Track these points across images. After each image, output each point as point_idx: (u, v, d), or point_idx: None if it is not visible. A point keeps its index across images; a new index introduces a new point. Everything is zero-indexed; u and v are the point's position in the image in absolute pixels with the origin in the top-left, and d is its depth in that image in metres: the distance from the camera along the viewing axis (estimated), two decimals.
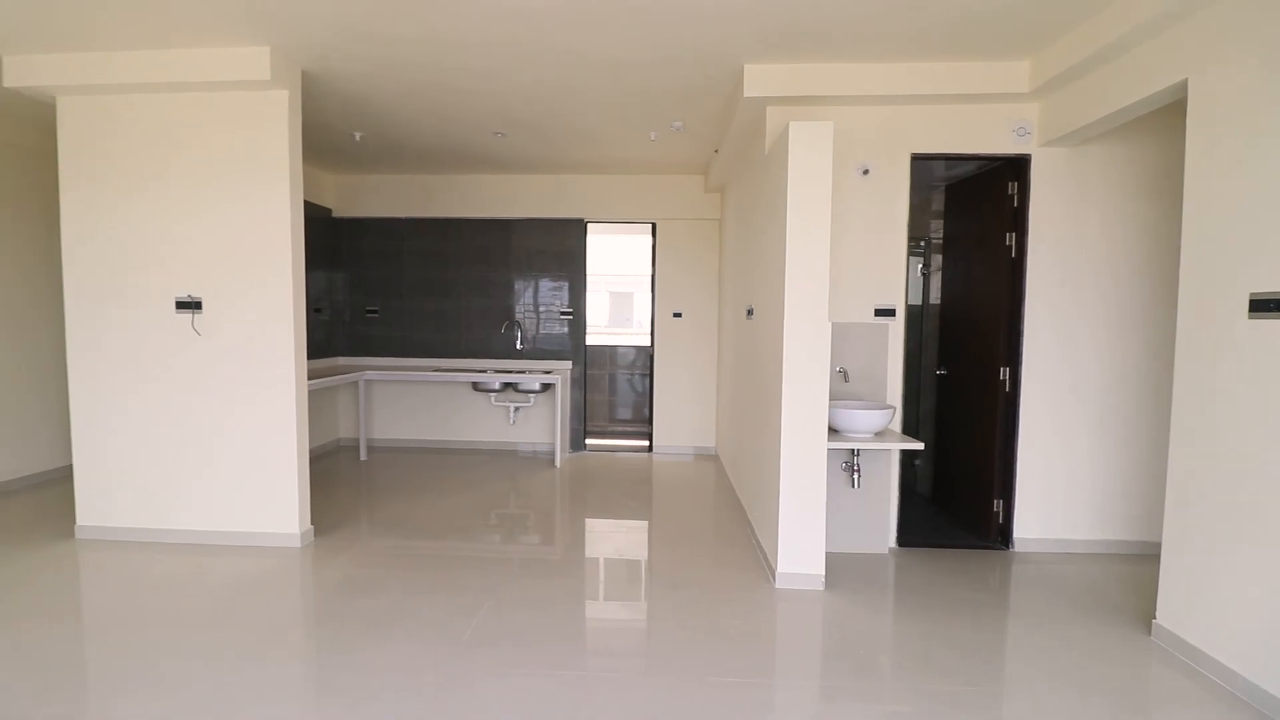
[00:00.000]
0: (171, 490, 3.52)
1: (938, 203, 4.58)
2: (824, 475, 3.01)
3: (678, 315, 6.13)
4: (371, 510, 4.23)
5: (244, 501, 3.49)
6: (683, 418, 6.17)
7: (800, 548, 3.03)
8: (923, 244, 4.76)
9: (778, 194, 3.14)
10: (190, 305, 3.44)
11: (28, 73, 3.28)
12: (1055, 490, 3.57)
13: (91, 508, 3.57)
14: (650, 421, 6.29)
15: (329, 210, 5.96)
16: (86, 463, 3.56)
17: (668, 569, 3.32)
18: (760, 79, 3.34)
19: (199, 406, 3.48)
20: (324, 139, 4.71)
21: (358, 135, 4.60)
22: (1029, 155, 3.48)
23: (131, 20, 2.91)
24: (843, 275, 3.50)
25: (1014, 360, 3.60)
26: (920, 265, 4.82)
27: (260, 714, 2.02)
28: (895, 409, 3.29)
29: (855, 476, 3.39)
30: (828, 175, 2.91)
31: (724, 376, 5.59)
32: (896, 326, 3.57)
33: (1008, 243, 3.61)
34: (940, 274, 4.52)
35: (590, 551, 3.62)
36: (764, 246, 3.56)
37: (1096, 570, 3.32)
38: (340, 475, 5.11)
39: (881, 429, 3.26)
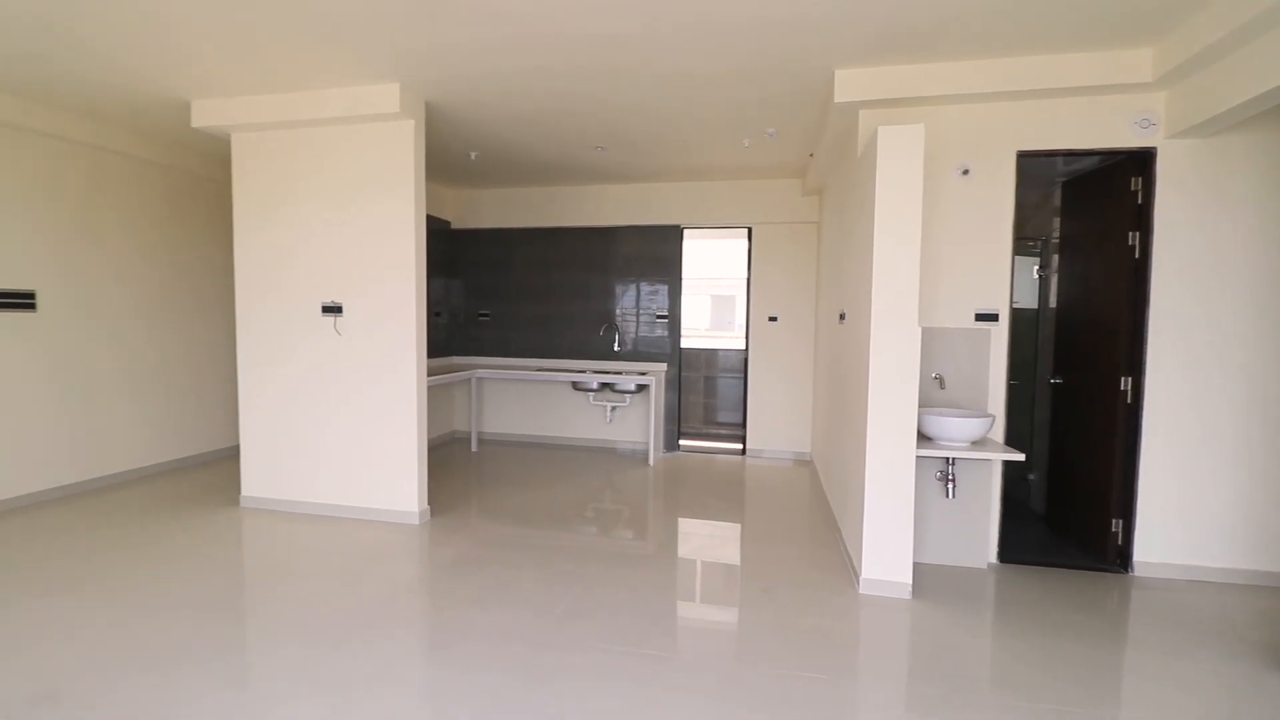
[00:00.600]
0: (316, 468, 4.07)
1: (1058, 199, 4.30)
2: (911, 483, 2.97)
3: (773, 319, 6.13)
4: (480, 496, 4.62)
5: (374, 481, 3.96)
6: (778, 422, 6.15)
7: (885, 554, 3.00)
8: (1038, 243, 4.49)
9: (868, 198, 3.13)
10: (333, 309, 3.95)
11: (210, 115, 3.93)
12: (1181, 511, 3.27)
13: (253, 481, 4.20)
14: (744, 425, 6.32)
15: (448, 222, 6.52)
16: (249, 444, 4.20)
17: (751, 565, 3.39)
18: (851, 84, 3.33)
19: (338, 398, 4.00)
20: (444, 159, 5.19)
21: (473, 155, 5.04)
22: (1154, 148, 3.22)
23: (290, 68, 3.42)
24: (940, 279, 3.41)
25: (1136, 369, 3.34)
26: (1036, 266, 4.55)
27: (383, 657, 2.34)
28: (993, 418, 3.16)
29: (950, 486, 3.29)
30: (918, 181, 2.87)
31: (819, 380, 5.53)
32: (999, 332, 3.42)
33: (1130, 242, 3.35)
34: (1056, 276, 4.24)
35: (677, 545, 3.76)
36: (854, 251, 3.53)
37: (1225, 601, 3.01)
38: (454, 464, 5.59)
39: (978, 438, 3.14)
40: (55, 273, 4.28)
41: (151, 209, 4.94)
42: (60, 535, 3.62)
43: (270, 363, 4.13)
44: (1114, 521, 3.46)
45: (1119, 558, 3.44)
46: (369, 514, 3.97)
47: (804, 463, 5.94)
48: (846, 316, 3.84)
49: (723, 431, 7.28)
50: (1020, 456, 3.02)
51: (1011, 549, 3.52)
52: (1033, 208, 4.54)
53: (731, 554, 3.65)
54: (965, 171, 3.38)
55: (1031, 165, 3.51)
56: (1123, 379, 3.40)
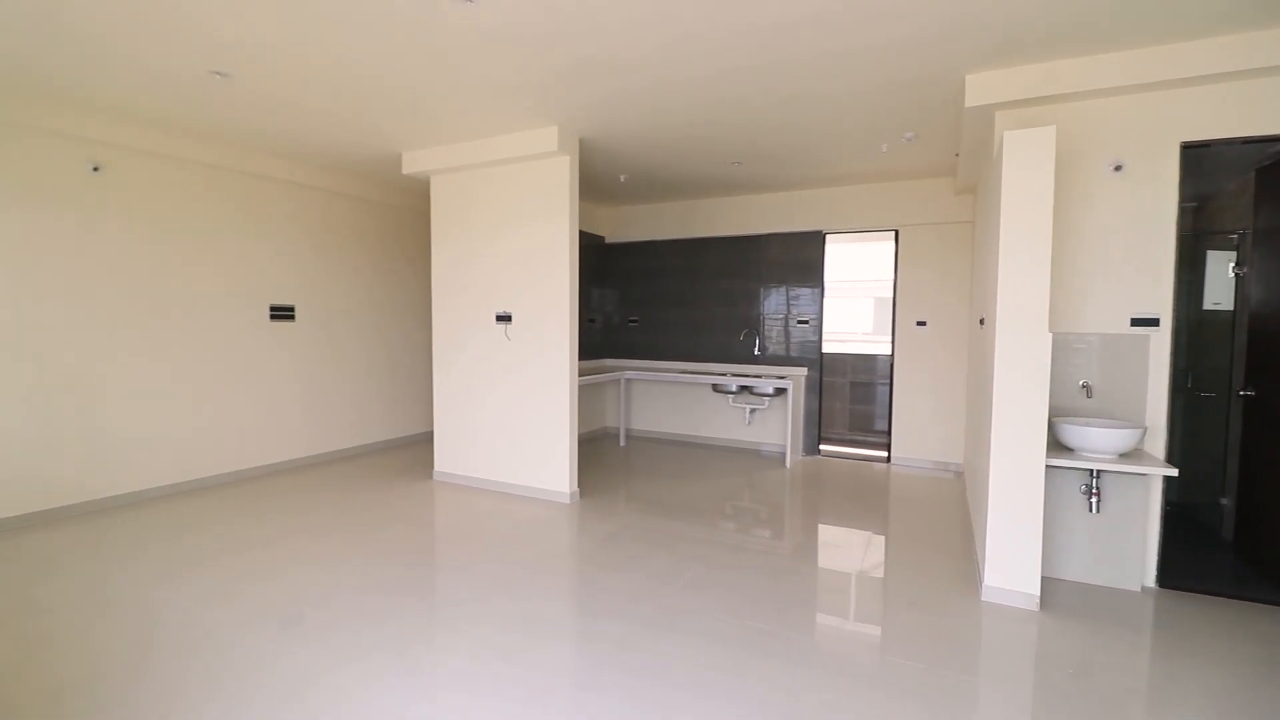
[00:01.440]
0: (489, 451, 4.84)
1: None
2: (1040, 493, 2.90)
3: (921, 324, 5.96)
4: (624, 485, 5.12)
5: (534, 464, 4.62)
6: (925, 429, 5.97)
7: (1009, 563, 2.96)
8: (1236, 237, 3.99)
9: (995, 202, 3.10)
10: (504, 318, 4.68)
11: (415, 163, 4.86)
12: None
13: (443, 459, 5.08)
14: (889, 432, 6.21)
15: (602, 237, 7.18)
16: (441, 429, 5.09)
17: (870, 561, 3.48)
18: (982, 88, 3.31)
19: (507, 393, 4.73)
20: (598, 182, 5.81)
21: (622, 177, 5.59)
22: None
23: (473, 123, 4.17)
24: (1090, 281, 3.25)
25: None
26: (1233, 263, 4.05)
27: (534, 602, 2.86)
28: (1144, 429, 2.96)
29: (1093, 501, 3.13)
30: (1047, 186, 2.82)
31: (969, 388, 5.31)
32: (1160, 338, 3.17)
33: None
34: (1248, 275, 3.75)
35: (800, 539, 3.93)
36: (989, 255, 3.48)
37: None
38: (603, 456, 6.19)
39: (1125, 450, 2.97)
40: (305, 291, 5.51)
41: (368, 237, 6.13)
42: (306, 494, 4.70)
43: (456, 362, 4.98)
44: None
45: None
46: (529, 491, 4.64)
47: (953, 473, 5.71)
48: (985, 321, 3.76)
49: (866, 438, 7.16)
50: (1172, 471, 2.82)
51: (1178, 574, 3.23)
52: (1228, 198, 4.05)
53: (852, 550, 3.74)
54: (1118, 168, 3.19)
55: (1209, 155, 3.20)
56: None
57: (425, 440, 6.60)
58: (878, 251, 7.68)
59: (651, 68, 3.27)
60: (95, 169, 4.15)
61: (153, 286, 4.48)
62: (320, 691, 2.22)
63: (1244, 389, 3.65)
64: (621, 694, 2.24)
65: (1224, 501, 4.02)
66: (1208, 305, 4.25)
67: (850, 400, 7.46)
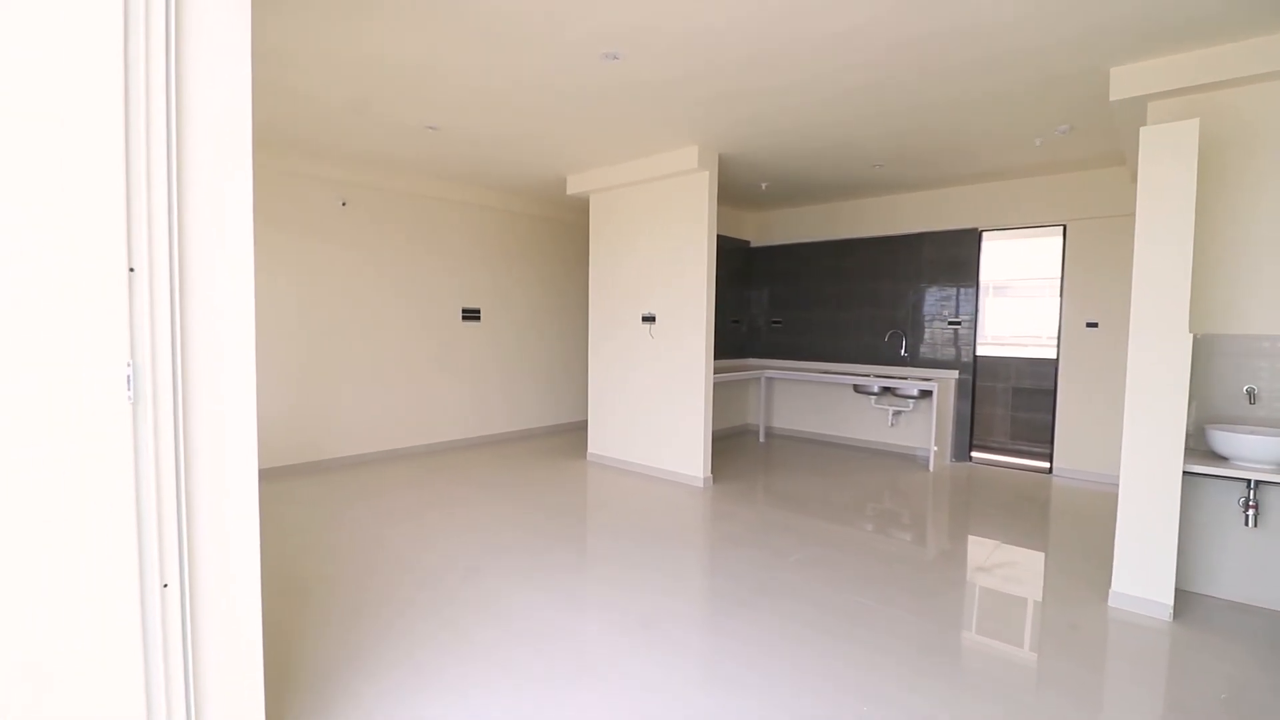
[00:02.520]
0: (634, 437, 5.45)
1: None
2: (1176, 501, 2.79)
3: (1092, 325, 5.54)
4: (758, 477, 5.45)
5: (672, 450, 5.14)
6: (1094, 439, 5.53)
7: (1139, 571, 2.87)
8: None
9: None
10: (649, 318, 5.26)
11: (577, 184, 5.63)
12: None
13: (595, 443, 5.81)
14: (1052, 441, 5.83)
15: (748, 241, 7.52)
16: (594, 416, 5.81)
17: (999, 562, 3.49)
18: (1130, 80, 3.18)
19: (650, 385, 5.30)
20: (740, 190, 6.18)
21: (764, 185, 5.91)
22: None
23: (626, 148, 4.78)
24: (1259, 278, 2.99)
25: None
26: None
27: (663, 562, 3.37)
28: None
29: (1250, 514, 2.90)
30: (1190, 182, 2.71)
31: None
32: None
33: None
34: None
35: (927, 535, 3.99)
36: None
37: None
38: (742, 450, 6.54)
39: None
40: (489, 295, 6.55)
41: (538, 249, 7.08)
42: (487, 464, 5.65)
43: (606, 357, 5.67)
44: None
45: None
46: (668, 475, 5.17)
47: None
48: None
49: (1026, 446, 6.73)
50: None
51: None
52: None
53: (984, 550, 3.74)
54: None
55: None
56: None
57: (581, 427, 7.43)
58: (1044, 248, 7.13)
59: (780, 94, 3.62)
60: (343, 204, 5.41)
61: (377, 293, 5.70)
62: (500, 604, 2.91)
63: None
64: (725, 635, 2.65)
65: None
66: None
67: (1011, 407, 7.03)
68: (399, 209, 5.78)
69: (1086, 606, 2.97)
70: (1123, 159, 5.03)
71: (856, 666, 2.42)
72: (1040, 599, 3.07)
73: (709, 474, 5.02)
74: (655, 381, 5.28)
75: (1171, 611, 2.81)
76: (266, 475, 5.01)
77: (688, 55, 3.15)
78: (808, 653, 2.51)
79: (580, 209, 7.17)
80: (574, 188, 5.69)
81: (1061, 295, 5.73)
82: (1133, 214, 5.23)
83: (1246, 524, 2.93)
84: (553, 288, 7.24)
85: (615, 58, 3.18)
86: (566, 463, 5.74)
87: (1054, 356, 5.96)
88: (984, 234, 6.06)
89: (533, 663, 2.41)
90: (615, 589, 3.08)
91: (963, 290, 6.14)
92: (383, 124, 4.28)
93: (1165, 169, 2.77)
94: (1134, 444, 2.88)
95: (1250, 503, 2.91)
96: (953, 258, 6.18)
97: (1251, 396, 3.03)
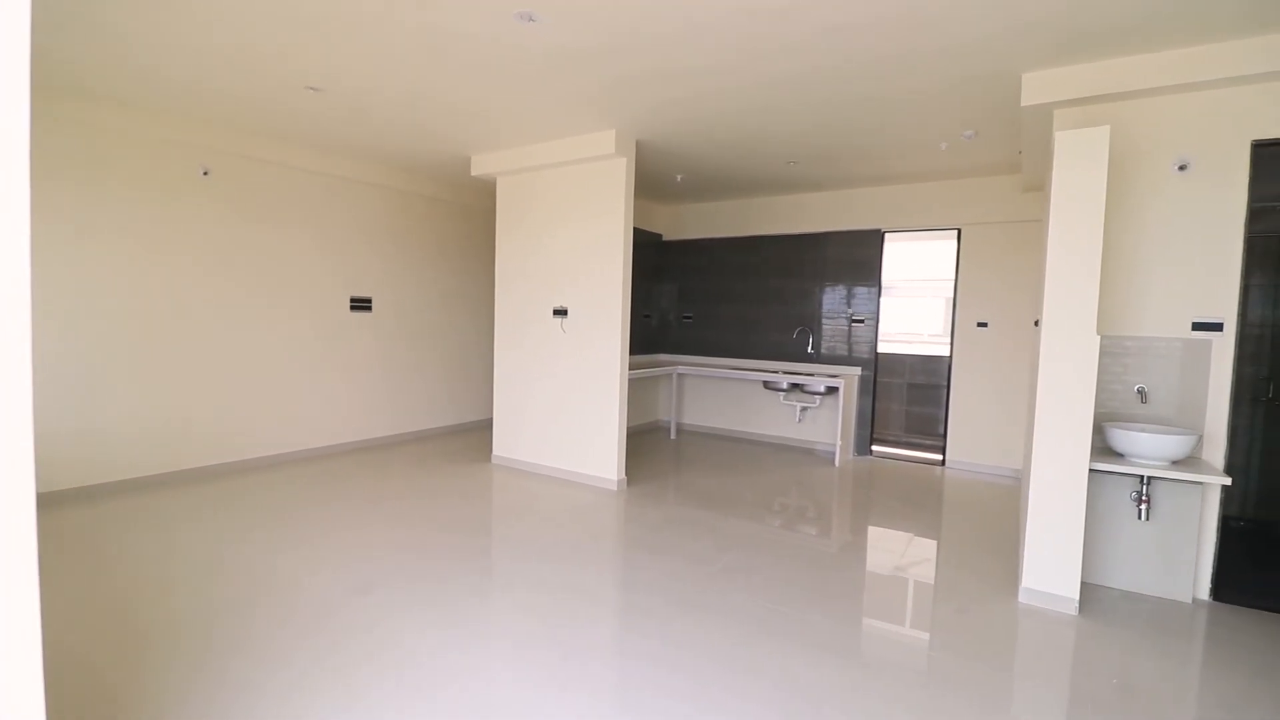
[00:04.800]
0: (545, 437, 5.11)
1: None
2: (1082, 497, 2.88)
3: (982, 325, 5.83)
4: (672, 476, 5.29)
5: (584, 451, 4.86)
6: (983, 433, 5.84)
7: (1048, 566, 2.95)
8: None
9: (1049, 202, 3.08)
10: (561, 312, 4.93)
11: (483, 165, 5.18)
12: None
13: (501, 445, 5.40)
14: (945, 434, 6.11)
15: (659, 235, 7.36)
16: (501, 416, 5.40)
17: (907, 559, 3.51)
18: (1040, 86, 3.27)
19: (561, 383, 4.98)
20: (655, 181, 5.98)
21: (679, 177, 5.74)
22: None
23: (537, 129, 4.42)
24: (1150, 283, 3.16)
25: None
26: None
27: (576, 576, 3.08)
28: (1197, 436, 2.87)
29: (1143, 509, 3.06)
30: (1100, 187, 2.79)
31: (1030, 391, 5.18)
32: (1223, 343, 3.06)
33: None
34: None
35: (839, 533, 3.98)
36: (1043, 256, 3.43)
37: None
38: (653, 448, 6.37)
39: (1177, 457, 2.90)
40: (383, 283, 5.95)
41: (438, 234, 6.53)
42: (377, 469, 5.11)
43: (514, 352, 5.28)
44: None
45: None
46: (580, 478, 4.88)
47: (1012, 480, 5.58)
48: (1039, 323, 3.70)
49: (920, 440, 7.05)
50: (1225, 480, 2.75)
51: (1235, 588, 3.12)
52: None
53: (891, 546, 3.77)
54: (1182, 167, 3.10)
55: (1266, 158, 3.06)
56: None
57: (485, 426, 6.97)
58: (939, 250, 7.50)
59: (707, 75, 3.42)
60: (205, 173, 4.66)
61: (247, 279, 4.98)
62: (380, 634, 2.51)
63: None
64: (647, 660, 2.42)
65: None
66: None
67: (907, 402, 7.35)
68: (275, 183, 5.08)
69: (997, 603, 3.02)
70: (1016, 168, 5.31)
71: (782, 686, 2.27)
72: (955, 598, 3.09)
73: (624, 476, 4.79)
74: (567, 378, 4.97)
75: (1077, 605, 2.90)
76: (96, 492, 4.22)
77: (613, 23, 2.87)
78: (737, 676, 2.33)
79: (486, 193, 6.69)
80: (479, 169, 5.24)
81: (955, 296, 6.00)
82: (1022, 221, 5.60)
83: (1140, 518, 3.09)
84: (455, 277, 6.71)
85: (531, 19, 2.84)
86: (470, 467, 5.30)
87: (947, 354, 6.25)
88: (886, 235, 6.24)
89: None
90: (527, 618, 2.76)
91: (866, 289, 6.30)
92: (255, 80, 3.67)
93: (1078, 173, 2.83)
94: (1044, 443, 2.95)
95: (1143, 497, 3.06)
96: (857, 257, 6.32)
97: (1143, 396, 3.21)
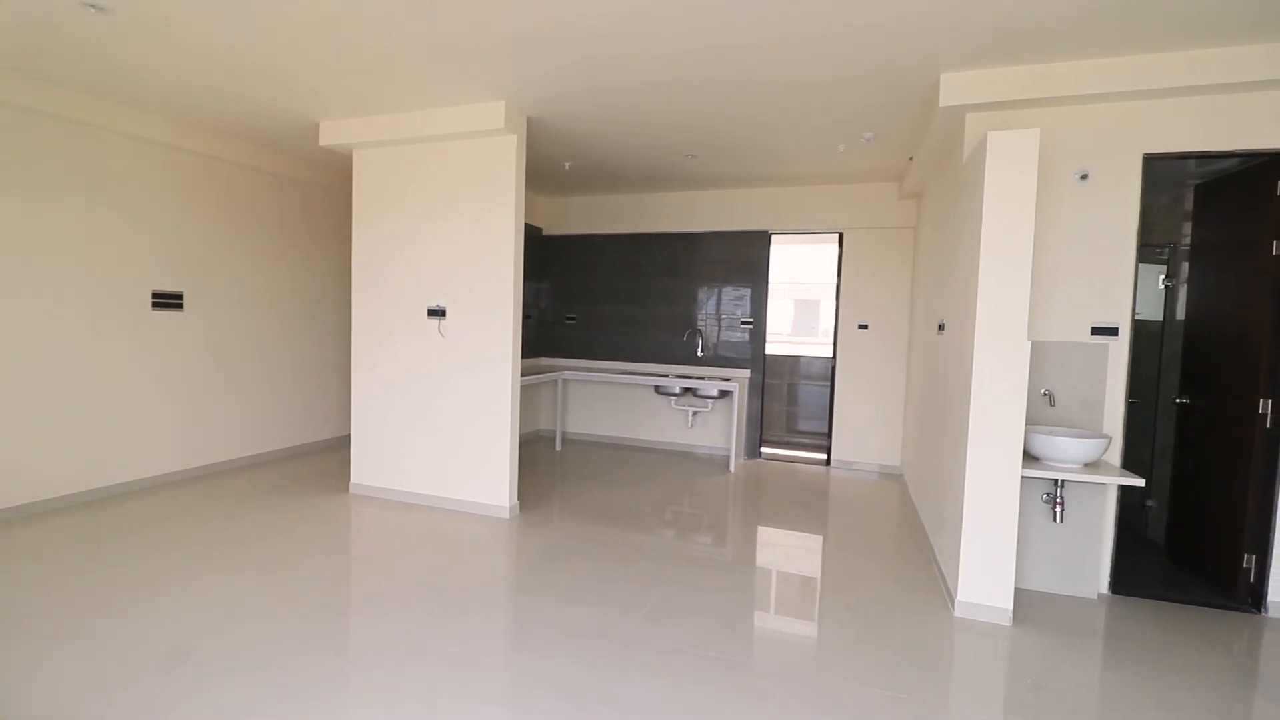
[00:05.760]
0: (417, 461, 4.34)
1: (1189, 202, 3.97)
2: (1015, 505, 2.83)
3: (863, 327, 5.97)
4: (566, 495, 4.77)
5: (469, 476, 4.18)
6: (865, 433, 5.98)
7: (984, 577, 2.88)
8: (1165, 251, 4.16)
9: (974, 206, 3.01)
10: (437, 313, 4.21)
11: (335, 134, 4.29)
12: None
13: (362, 470, 4.53)
14: (829, 434, 6.19)
15: (540, 229, 6.77)
16: (359, 435, 4.53)
17: (835, 579, 3.33)
18: (958, 88, 3.22)
19: (440, 396, 4.26)
20: (539, 168, 5.40)
21: (567, 165, 5.22)
22: None
23: (406, 92, 3.68)
24: (1053, 289, 3.23)
25: (1279, 392, 3.04)
26: (1162, 276, 4.21)
27: (470, 641, 2.49)
28: (1109, 439, 2.96)
29: (1058, 510, 3.11)
30: (1030, 190, 2.74)
31: (913, 392, 5.34)
32: (1119, 347, 3.20)
33: (1275, 252, 3.06)
34: (1186, 287, 3.91)
35: (759, 556, 3.74)
36: (957, 260, 3.41)
37: None
38: (540, 461, 5.80)
39: (1091, 460, 2.96)
40: (198, 275, 4.78)
41: (279, 217, 5.43)
42: (195, 516, 4.04)
43: (380, 360, 4.45)
44: (1246, 557, 3.16)
45: (1251, 597, 3.14)
46: (464, 506, 4.20)
47: (892, 477, 5.75)
48: (946, 327, 3.71)
49: (806, 440, 7.15)
50: (1139, 481, 2.82)
51: (1126, 580, 3.28)
52: (1160, 212, 4.21)
53: (815, 566, 3.59)
54: (1084, 176, 3.19)
55: (1159, 168, 3.26)
56: (1261, 401, 3.11)
57: (339, 446, 5.95)
58: (822, 254, 7.68)
59: (611, 39, 2.95)
60: None
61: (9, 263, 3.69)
62: None
63: (1179, 397, 3.79)
64: None
65: (1150, 504, 4.19)
66: (1136, 316, 4.43)
67: (788, 402, 7.43)
68: (40, 139, 3.80)
69: (932, 619, 2.90)
70: (896, 175, 5.46)
71: None
72: (890, 614, 2.93)
73: (516, 501, 4.19)
74: (446, 389, 4.26)
75: (1011, 616, 2.85)
76: None
77: None
78: None
79: (339, 169, 5.68)
80: (331, 137, 4.33)
81: (837, 298, 6.11)
82: (899, 227, 5.80)
83: (1055, 519, 3.13)
84: (297, 269, 5.62)
85: None
86: (321, 500, 4.38)
87: (829, 355, 6.36)
88: (773, 236, 6.20)
89: None
90: (402, 706, 2.14)
91: (754, 290, 6.22)
92: None
93: (1010, 175, 2.77)
94: (977, 453, 2.87)
95: (1058, 499, 3.11)
96: (745, 258, 6.22)
97: (1050, 399, 3.27)
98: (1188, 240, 3.97)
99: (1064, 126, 3.18)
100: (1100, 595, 3.21)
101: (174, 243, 4.60)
